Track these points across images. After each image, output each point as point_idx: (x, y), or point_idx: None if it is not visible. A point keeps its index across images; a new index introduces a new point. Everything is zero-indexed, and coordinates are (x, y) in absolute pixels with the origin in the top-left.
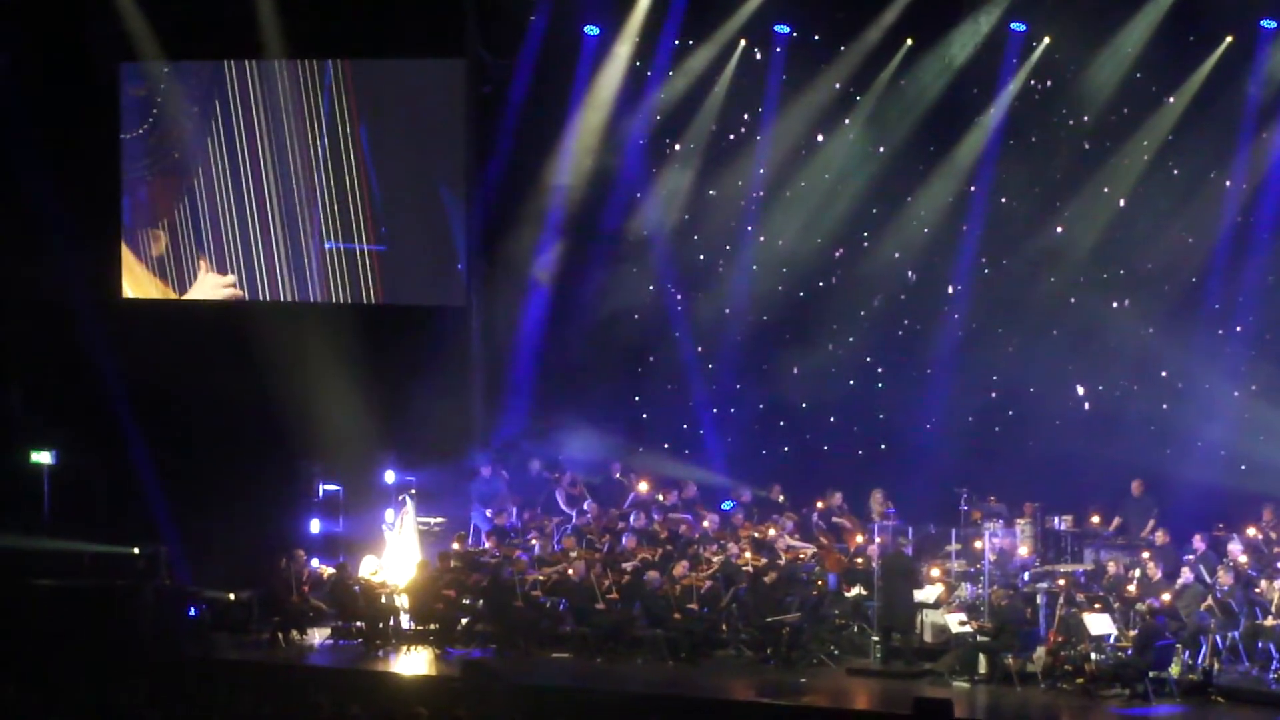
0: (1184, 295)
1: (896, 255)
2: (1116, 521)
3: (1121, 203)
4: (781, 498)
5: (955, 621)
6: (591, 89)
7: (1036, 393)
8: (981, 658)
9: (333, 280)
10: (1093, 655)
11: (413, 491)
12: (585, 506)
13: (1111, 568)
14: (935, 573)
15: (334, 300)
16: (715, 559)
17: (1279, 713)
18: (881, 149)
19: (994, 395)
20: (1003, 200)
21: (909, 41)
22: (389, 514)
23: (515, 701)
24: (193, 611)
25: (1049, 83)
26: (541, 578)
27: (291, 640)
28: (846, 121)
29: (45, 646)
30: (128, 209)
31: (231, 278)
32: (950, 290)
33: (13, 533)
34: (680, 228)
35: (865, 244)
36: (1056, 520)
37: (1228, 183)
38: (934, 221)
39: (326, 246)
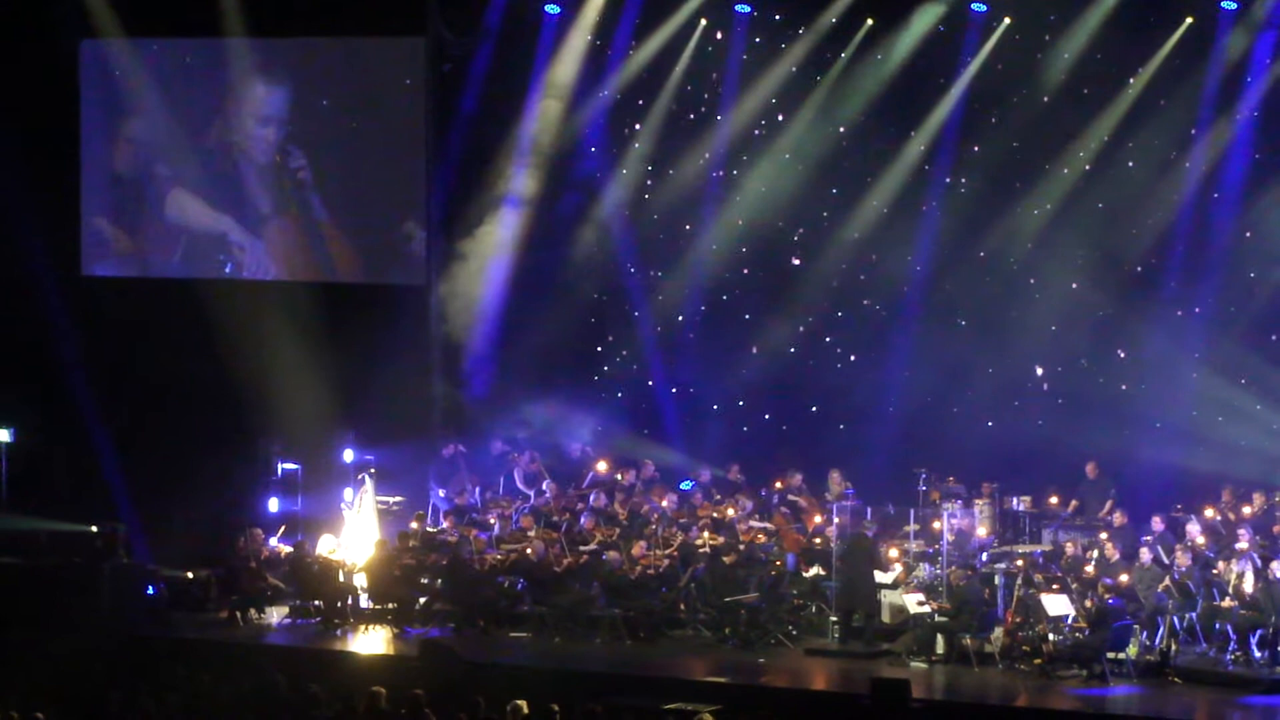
0: (1143, 276)
1: (856, 235)
2: (1074, 504)
3: (1081, 184)
4: (740, 477)
5: (913, 602)
6: (552, 68)
7: (995, 373)
8: (939, 638)
9: (291, 258)
10: (1050, 636)
11: (371, 470)
12: (544, 486)
13: (1069, 548)
14: (893, 553)
15: (293, 278)
16: (675, 538)
17: (1236, 694)
18: (842, 129)
19: (953, 376)
20: (963, 180)
21: (869, 21)
22: (347, 493)
23: (473, 681)
24: (151, 590)
25: (1010, 64)
26: (500, 557)
27: (249, 619)
28: (807, 101)
29: (2, 625)
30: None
31: None
32: (910, 270)
33: None
34: (640, 207)
35: (825, 224)
36: (1015, 501)
37: (1187, 164)
38: (894, 201)
39: (282, 225)
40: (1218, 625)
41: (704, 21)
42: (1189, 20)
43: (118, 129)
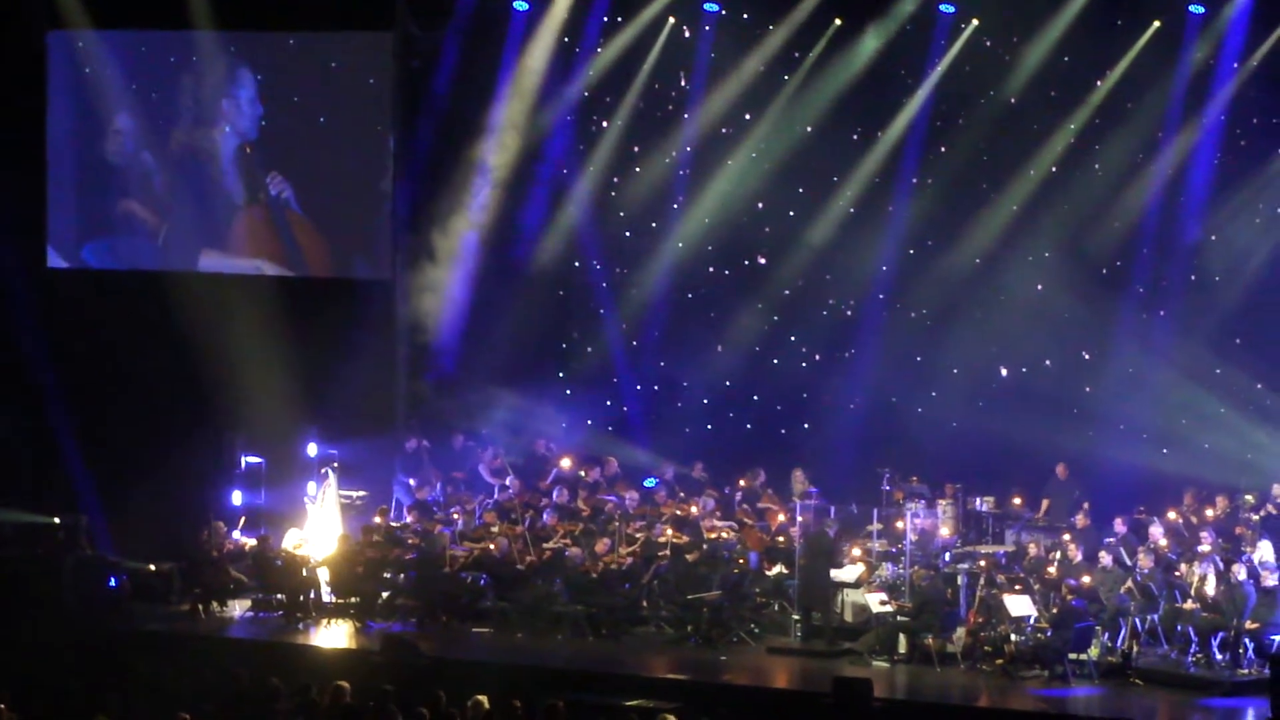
0: (1108, 278)
1: (823, 235)
2: (1045, 504)
3: (1047, 186)
4: (704, 475)
5: (876, 601)
6: (520, 64)
7: (960, 374)
8: (901, 637)
9: (261, 250)
10: (1012, 636)
11: (335, 464)
12: (508, 482)
13: (1032, 549)
14: (856, 552)
15: (258, 272)
16: (638, 535)
17: (1197, 696)
18: (809, 128)
19: (917, 376)
20: (929, 181)
21: (837, 21)
22: (311, 487)
23: (435, 676)
24: (113, 582)
25: (977, 65)
26: (463, 553)
27: (212, 612)
28: (774, 101)
29: None
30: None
31: None
32: (875, 270)
33: None
34: (607, 204)
35: (791, 223)
36: (978, 501)
37: (1153, 167)
38: (860, 201)
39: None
40: (1179, 627)
41: (672, 20)
42: (1156, 24)
43: (90, 120)
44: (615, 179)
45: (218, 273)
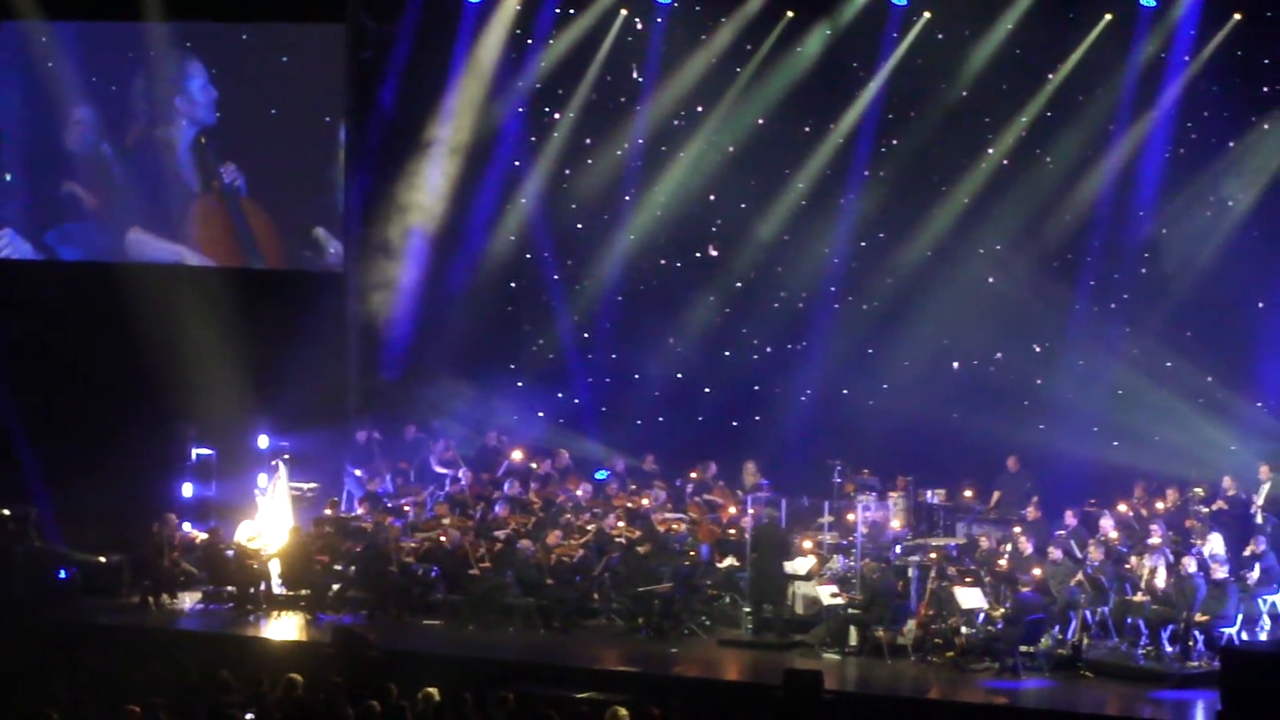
0: (1059, 271)
1: (774, 227)
2: (996, 496)
3: (999, 178)
4: (655, 467)
5: (827, 594)
6: (472, 56)
7: (911, 366)
8: (852, 630)
9: (215, 239)
10: (963, 629)
11: (286, 456)
12: (459, 474)
13: (983, 542)
14: (807, 545)
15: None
16: (589, 527)
17: (1147, 688)
18: (760, 121)
19: (868, 368)
20: (881, 174)
21: (789, 14)
22: (261, 479)
23: (386, 668)
24: (63, 574)
25: (929, 58)
26: (414, 544)
27: (162, 604)
28: (726, 93)
29: None
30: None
31: None
32: (827, 262)
33: None
34: (559, 196)
35: (743, 215)
36: (929, 494)
37: (1105, 159)
38: (812, 193)
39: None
40: (1129, 619)
41: (624, 12)
42: (1108, 17)
43: (47, 111)
44: (567, 171)
45: (168, 263)
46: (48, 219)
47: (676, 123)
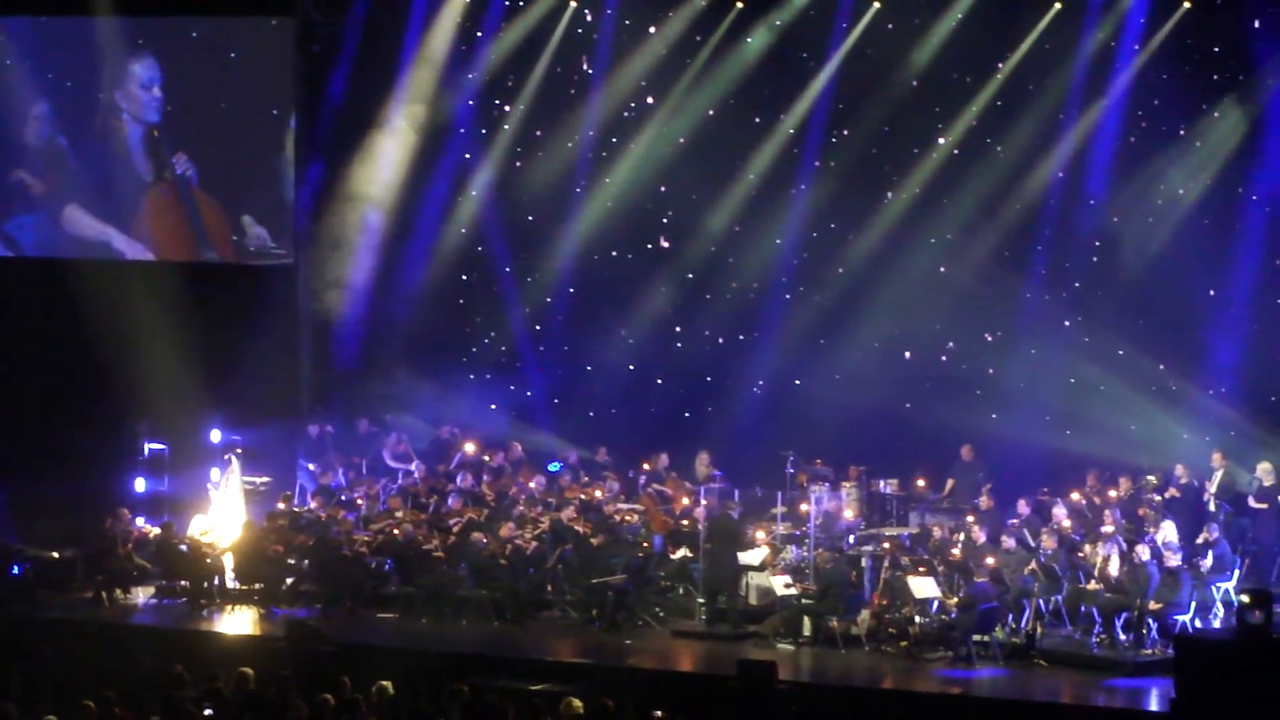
0: (1011, 260)
1: (726, 218)
2: (949, 486)
3: (950, 167)
4: (607, 459)
5: (780, 584)
6: (422, 49)
7: (863, 356)
8: (806, 620)
9: (167, 229)
10: (917, 618)
11: (238, 450)
12: (412, 467)
13: (936, 531)
14: (760, 535)
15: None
16: (543, 520)
17: (1100, 676)
18: (711, 112)
19: (821, 358)
20: (832, 164)
21: (739, 4)
22: (214, 473)
23: (339, 661)
24: (16, 569)
25: (879, 47)
26: (367, 538)
27: (116, 599)
28: (677, 83)
29: None
30: None
31: None
32: (779, 252)
33: None
34: (510, 188)
35: (695, 206)
36: (882, 484)
37: (1056, 148)
38: (763, 184)
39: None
40: (1083, 608)
41: (574, 3)
42: (1058, 5)
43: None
44: (518, 163)
45: (119, 258)
46: (3, 211)
47: (627, 114)
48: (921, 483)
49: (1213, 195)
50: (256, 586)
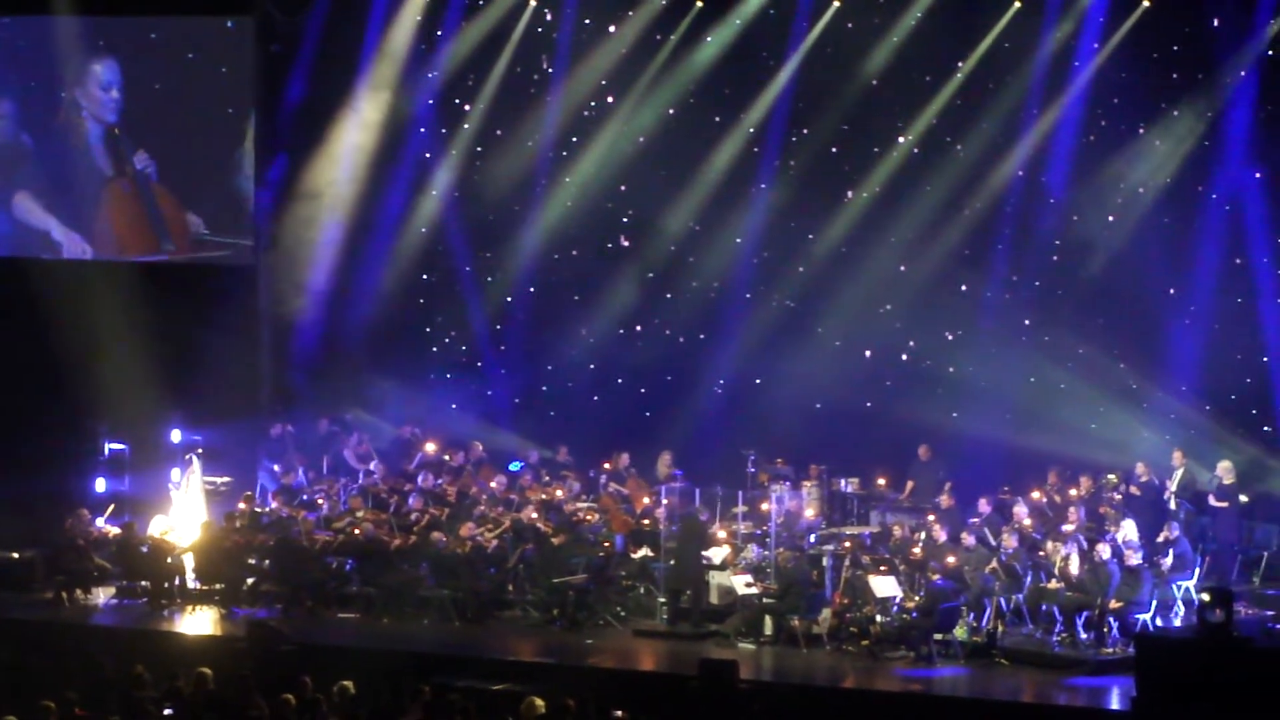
0: (970, 259)
1: (686, 217)
2: (910, 485)
3: (909, 167)
4: (568, 459)
5: (741, 583)
6: (382, 48)
7: (824, 355)
8: (767, 619)
9: (128, 225)
10: (878, 617)
11: (199, 450)
12: (372, 466)
13: (897, 530)
14: (722, 534)
15: (120, 257)
16: (504, 519)
17: (1061, 675)
18: (671, 111)
19: (781, 358)
20: (792, 163)
21: (699, 3)
22: (175, 473)
23: (300, 661)
24: None
25: (839, 47)
26: (328, 537)
27: (76, 599)
28: (637, 83)
29: None
30: None
31: None
32: (739, 252)
33: None
34: (470, 187)
35: (655, 205)
36: (843, 483)
37: (1016, 147)
38: (723, 183)
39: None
40: (1044, 607)
41: (533, 2)
42: (1017, 4)
43: None
44: (478, 162)
45: (78, 259)
46: None
47: (587, 113)
48: (882, 481)
49: (1172, 194)
50: (217, 587)
